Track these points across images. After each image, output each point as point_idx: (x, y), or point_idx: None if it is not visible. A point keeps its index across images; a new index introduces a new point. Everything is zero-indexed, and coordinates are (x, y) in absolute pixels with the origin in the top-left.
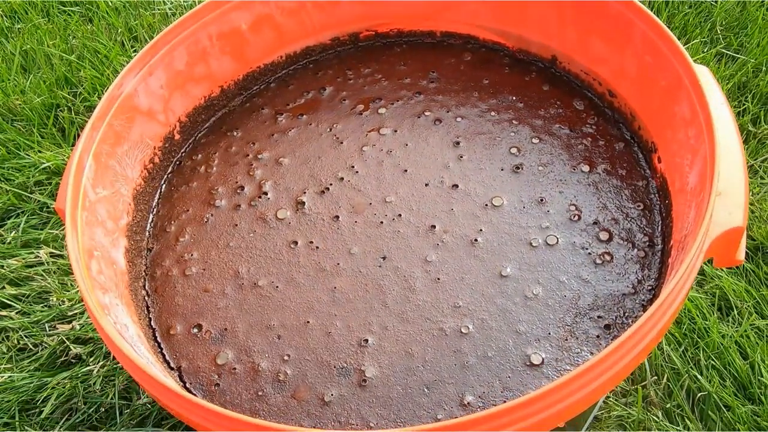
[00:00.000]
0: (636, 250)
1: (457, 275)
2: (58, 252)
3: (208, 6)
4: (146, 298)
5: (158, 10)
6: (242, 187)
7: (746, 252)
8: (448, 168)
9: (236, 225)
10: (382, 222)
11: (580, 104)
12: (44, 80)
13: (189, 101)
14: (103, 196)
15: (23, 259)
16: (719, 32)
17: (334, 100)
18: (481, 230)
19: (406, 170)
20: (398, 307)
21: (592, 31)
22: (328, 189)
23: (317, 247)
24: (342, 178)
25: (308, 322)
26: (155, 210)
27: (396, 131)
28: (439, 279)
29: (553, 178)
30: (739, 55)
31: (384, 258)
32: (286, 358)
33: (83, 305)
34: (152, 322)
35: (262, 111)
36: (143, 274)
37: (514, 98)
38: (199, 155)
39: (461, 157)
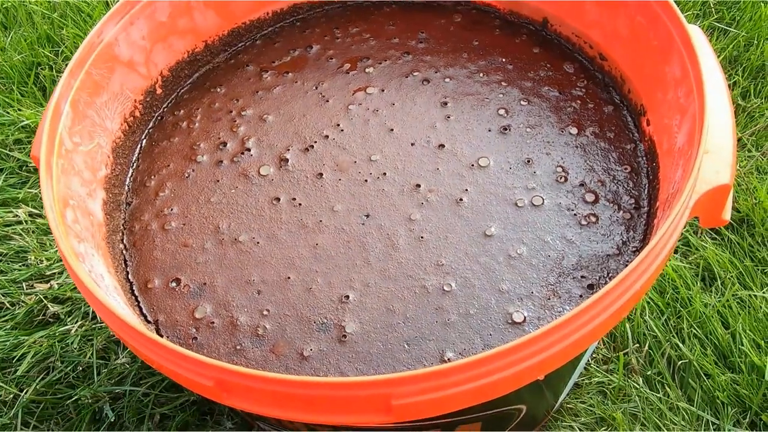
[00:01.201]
0: (622, 211)
1: (440, 234)
2: (36, 211)
3: None
4: (124, 251)
5: None
6: (225, 143)
7: (731, 224)
8: (435, 128)
9: (218, 181)
10: (366, 180)
11: (570, 67)
12: (25, 38)
13: (172, 55)
14: (79, 144)
15: (1, 218)
16: (712, 5)
17: (321, 58)
18: (466, 190)
19: (392, 129)
20: (380, 265)
21: None
22: (312, 146)
23: (300, 204)
24: (327, 136)
25: (289, 277)
26: (135, 164)
27: (383, 90)
28: (422, 237)
29: (540, 140)
30: (731, 29)
31: (367, 216)
32: (265, 313)
33: (62, 264)
34: (129, 276)
35: (247, 68)
36: (121, 227)
37: (503, 60)
38: (182, 111)
39: (448, 117)
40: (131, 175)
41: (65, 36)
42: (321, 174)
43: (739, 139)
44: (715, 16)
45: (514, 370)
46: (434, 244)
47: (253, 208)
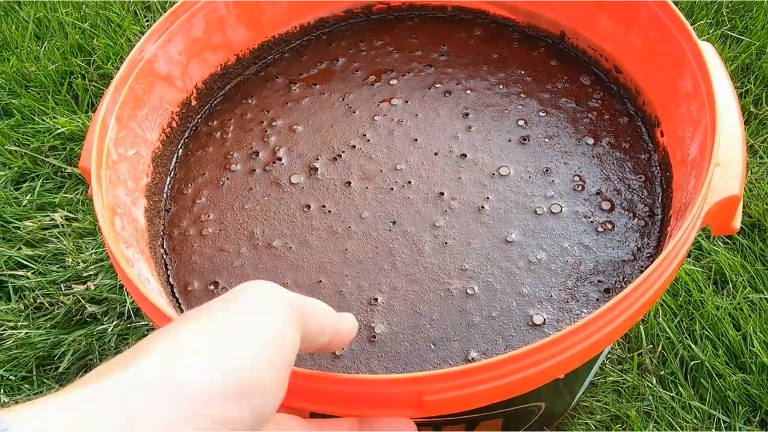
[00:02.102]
0: (636, 219)
1: (464, 240)
2: (72, 215)
3: None
4: (164, 256)
5: None
6: (257, 153)
7: (743, 228)
8: (457, 138)
9: (251, 189)
10: (392, 188)
11: (586, 79)
12: (58, 48)
13: (206, 69)
14: (124, 156)
15: (39, 221)
16: (725, 14)
17: (347, 70)
18: (487, 198)
19: (416, 139)
20: (407, 269)
21: (600, 6)
22: (340, 156)
23: (329, 211)
24: (354, 146)
25: (320, 281)
26: (172, 173)
27: (407, 102)
28: (446, 243)
29: (558, 150)
30: (743, 37)
31: (394, 222)
32: None
33: (98, 267)
34: (170, 279)
35: (276, 80)
36: (161, 233)
37: (522, 72)
38: (215, 121)
39: (470, 128)
40: (169, 183)
41: (96, 46)
42: (349, 182)
43: (750, 146)
44: (728, 25)
45: (536, 370)
46: (458, 250)
47: (285, 215)
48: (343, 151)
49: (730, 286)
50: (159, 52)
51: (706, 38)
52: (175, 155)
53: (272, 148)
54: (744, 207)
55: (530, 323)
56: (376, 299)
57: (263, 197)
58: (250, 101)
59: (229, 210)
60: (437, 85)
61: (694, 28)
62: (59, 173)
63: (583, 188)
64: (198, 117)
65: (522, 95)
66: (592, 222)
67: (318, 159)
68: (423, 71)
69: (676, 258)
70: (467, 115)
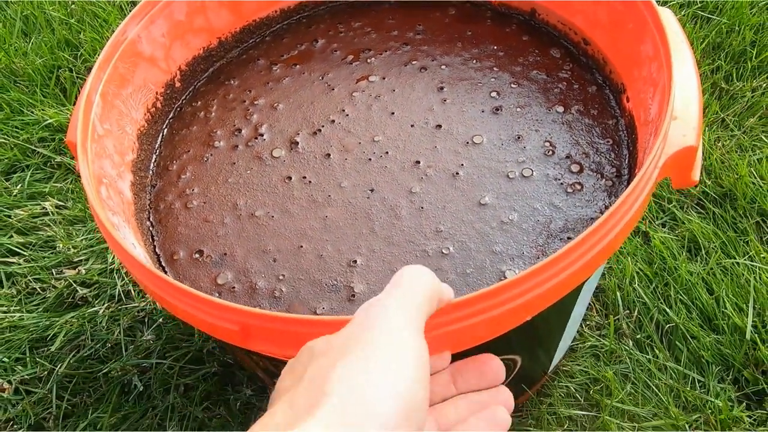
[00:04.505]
0: (604, 179)
1: (439, 204)
2: (62, 203)
3: None
4: (151, 228)
5: None
6: (239, 130)
7: (715, 198)
8: (433, 110)
9: (234, 163)
10: (370, 159)
11: (556, 52)
12: (45, 43)
13: (189, 51)
14: (110, 131)
15: (29, 210)
16: None
17: (326, 51)
18: (462, 165)
19: (393, 113)
20: (385, 232)
21: None
22: (320, 130)
23: (310, 182)
24: (333, 121)
25: (301, 246)
26: (158, 151)
27: (384, 78)
28: (422, 208)
29: (530, 118)
30: (713, 17)
31: (372, 190)
32: (281, 278)
33: (88, 251)
34: (156, 249)
35: (258, 62)
36: (147, 207)
37: (495, 48)
38: (199, 102)
39: (445, 100)
40: (155, 161)
41: (83, 40)
42: (329, 155)
43: (722, 120)
44: (699, 5)
45: (502, 309)
46: (433, 213)
47: (267, 187)
48: (323, 126)
49: (703, 252)
50: (142, 33)
51: (678, 18)
52: (161, 134)
53: (254, 125)
54: (716, 177)
55: (503, 278)
56: (355, 261)
57: (246, 171)
58: (232, 82)
59: (213, 184)
60: (413, 62)
61: (668, 7)
62: (49, 163)
63: (553, 153)
64: (182, 98)
65: (495, 69)
66: (561, 184)
67: (299, 134)
68: (399, 49)
69: (636, 202)
70: (442, 89)
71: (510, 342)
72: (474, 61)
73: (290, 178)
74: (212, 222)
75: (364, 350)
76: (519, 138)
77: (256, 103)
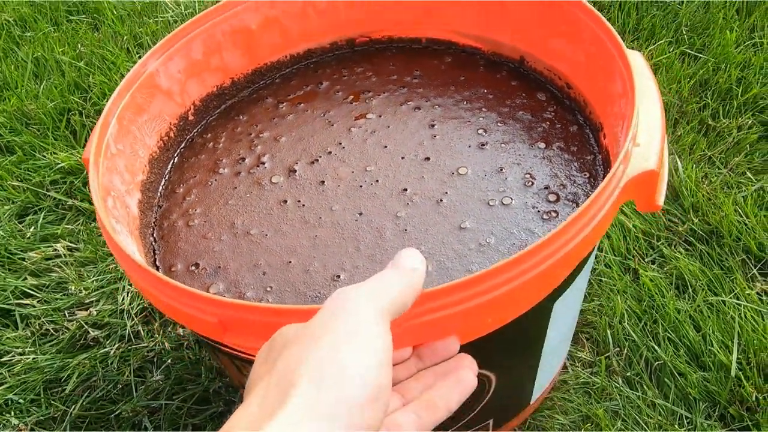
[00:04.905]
0: (578, 208)
1: (422, 227)
2: (74, 245)
3: (222, 7)
4: (153, 243)
5: (161, 17)
6: (243, 159)
7: (702, 236)
8: (423, 144)
9: (236, 187)
10: (361, 186)
11: (542, 96)
12: (56, 86)
13: (203, 88)
14: (123, 152)
15: (42, 252)
16: (684, 33)
17: (330, 92)
18: (446, 192)
19: (386, 146)
20: (369, 251)
21: (552, 31)
22: (317, 160)
23: (304, 205)
24: (330, 152)
25: (290, 261)
26: (167, 176)
27: (380, 116)
28: (406, 230)
29: (513, 153)
30: (701, 55)
31: (360, 214)
32: (268, 289)
33: (99, 292)
34: (156, 262)
35: (266, 100)
36: (152, 224)
37: (485, 91)
38: (209, 134)
39: (435, 136)
40: (164, 185)
41: (92, 83)
42: (323, 181)
43: (708, 158)
44: (687, 43)
45: (455, 310)
46: (416, 235)
47: (263, 209)
48: (320, 156)
49: (690, 290)
50: (161, 68)
51: (666, 57)
52: (171, 161)
53: (257, 154)
54: (703, 215)
55: None
56: (339, 276)
57: (246, 194)
58: (241, 117)
59: (214, 205)
60: (409, 102)
61: (655, 48)
62: (60, 206)
63: (533, 184)
64: (194, 130)
65: (483, 109)
66: (538, 211)
67: (297, 163)
68: (397, 91)
69: (596, 216)
70: (433, 125)
71: (480, 354)
72: (465, 102)
73: (286, 201)
74: (210, 239)
75: (335, 340)
76: (501, 170)
77: (261, 135)
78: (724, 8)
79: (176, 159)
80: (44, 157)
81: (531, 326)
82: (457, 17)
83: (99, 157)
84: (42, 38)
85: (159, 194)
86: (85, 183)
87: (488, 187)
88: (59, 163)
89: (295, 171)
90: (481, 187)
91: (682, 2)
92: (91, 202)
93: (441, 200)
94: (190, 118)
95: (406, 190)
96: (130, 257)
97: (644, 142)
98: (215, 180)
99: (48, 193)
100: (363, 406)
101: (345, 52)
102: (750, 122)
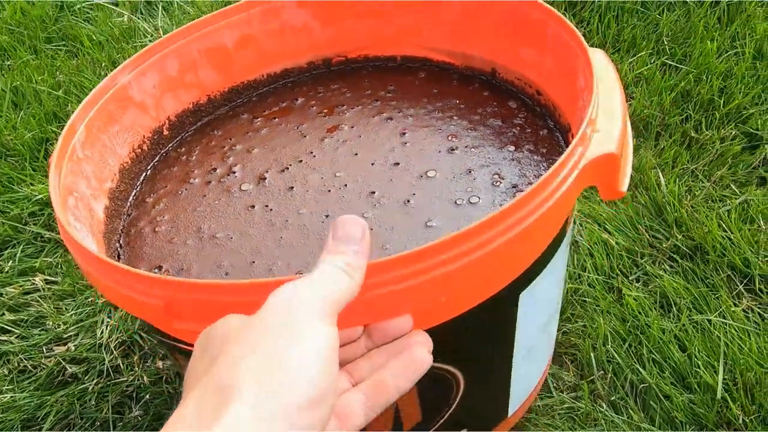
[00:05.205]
0: (532, 185)
1: (388, 226)
2: (52, 278)
3: (197, 24)
4: (119, 249)
5: (140, 43)
6: (215, 169)
7: (687, 252)
8: (393, 151)
9: (205, 195)
10: (329, 190)
11: (513, 104)
12: (34, 116)
13: (179, 104)
14: (90, 158)
15: (20, 286)
16: (666, 43)
17: (304, 107)
18: (414, 194)
19: (356, 153)
20: None
21: (520, 40)
22: (287, 168)
23: (271, 209)
24: (301, 161)
25: (254, 262)
26: (139, 187)
27: (353, 127)
28: (372, 229)
29: (483, 156)
30: (682, 66)
31: (327, 216)
32: None
33: (78, 327)
34: None
35: (242, 116)
36: (120, 231)
37: (457, 102)
38: (183, 149)
39: (405, 143)
40: (134, 195)
41: (70, 111)
42: (292, 187)
43: (692, 171)
44: (668, 54)
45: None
46: (381, 234)
47: (231, 214)
48: (291, 165)
49: (675, 308)
50: (133, 81)
51: (648, 68)
52: (144, 173)
53: (229, 165)
54: (686, 230)
55: None
56: (301, 272)
57: (214, 201)
58: (216, 132)
59: (182, 212)
60: (382, 114)
61: (636, 59)
62: (39, 238)
63: (500, 184)
64: (169, 145)
65: (455, 118)
66: None
67: (268, 171)
68: (370, 104)
69: (552, 196)
70: (404, 134)
71: (443, 346)
72: (437, 112)
73: (253, 206)
74: (175, 243)
75: (278, 340)
76: (470, 171)
77: (234, 148)
78: (705, 17)
79: (149, 172)
80: (21, 189)
81: (495, 319)
82: (431, 33)
83: (63, 160)
84: (21, 66)
85: (129, 203)
86: None
87: (456, 187)
88: (37, 195)
89: (265, 179)
90: (449, 188)
91: (663, 11)
92: None
93: (408, 201)
94: (165, 132)
95: (374, 192)
96: (78, 243)
97: (605, 128)
98: (185, 189)
99: (26, 227)
100: (309, 409)
101: (322, 72)
102: (733, 133)
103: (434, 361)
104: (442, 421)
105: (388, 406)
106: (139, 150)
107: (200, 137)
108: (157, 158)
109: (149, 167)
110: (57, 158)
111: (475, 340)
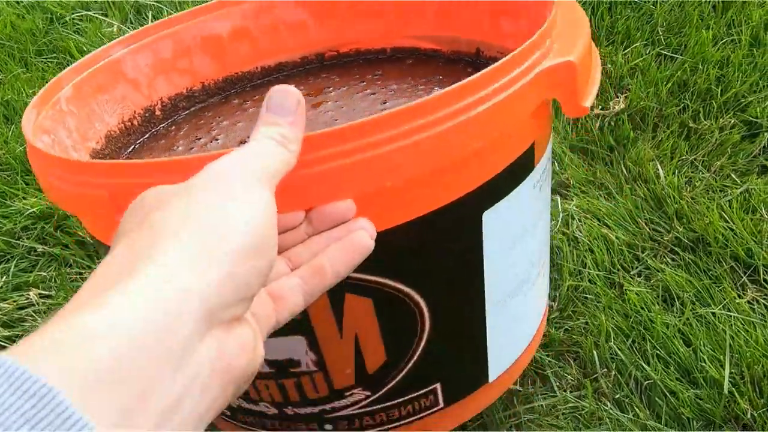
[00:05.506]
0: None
1: None
2: (47, 293)
3: (192, 12)
4: None
5: None
6: (199, 138)
7: (688, 245)
8: (372, 114)
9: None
10: None
11: None
12: None
13: (172, 87)
14: (74, 114)
15: (14, 301)
16: (660, 33)
17: None
18: None
19: (336, 119)
20: None
21: (498, 8)
22: None
23: None
24: None
25: None
26: (125, 157)
27: (337, 101)
28: None
29: None
30: (677, 55)
31: None
32: None
33: None
34: None
35: (234, 102)
36: None
37: (441, 77)
38: (173, 127)
39: (385, 109)
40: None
41: None
42: None
43: (691, 162)
44: (663, 44)
45: (348, 161)
46: None
47: None
48: None
49: (678, 302)
50: (127, 57)
51: (642, 59)
52: (132, 146)
53: (213, 135)
54: (687, 222)
55: None
56: None
57: None
58: (207, 113)
59: None
60: (366, 91)
61: (630, 50)
62: (32, 252)
63: None
64: (161, 126)
65: (436, 88)
66: None
67: (249, 136)
68: (357, 84)
69: (502, 91)
70: (385, 102)
71: (399, 263)
72: (420, 87)
73: None
74: None
75: (215, 199)
76: None
77: (221, 124)
78: (699, 6)
79: (137, 146)
80: (14, 203)
81: (459, 237)
82: (418, 22)
83: (44, 106)
84: (12, 80)
85: None
86: (58, 227)
87: None
88: (29, 209)
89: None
90: None
91: (656, 2)
92: (64, 246)
93: None
94: (157, 113)
95: None
96: (32, 144)
97: (566, 42)
98: (168, 155)
99: (19, 241)
100: (247, 254)
101: (314, 66)
102: (732, 122)
103: (393, 279)
104: (410, 365)
105: (326, 291)
106: (129, 123)
107: (191, 118)
108: (147, 135)
109: (138, 142)
110: (38, 101)
111: (436, 260)
